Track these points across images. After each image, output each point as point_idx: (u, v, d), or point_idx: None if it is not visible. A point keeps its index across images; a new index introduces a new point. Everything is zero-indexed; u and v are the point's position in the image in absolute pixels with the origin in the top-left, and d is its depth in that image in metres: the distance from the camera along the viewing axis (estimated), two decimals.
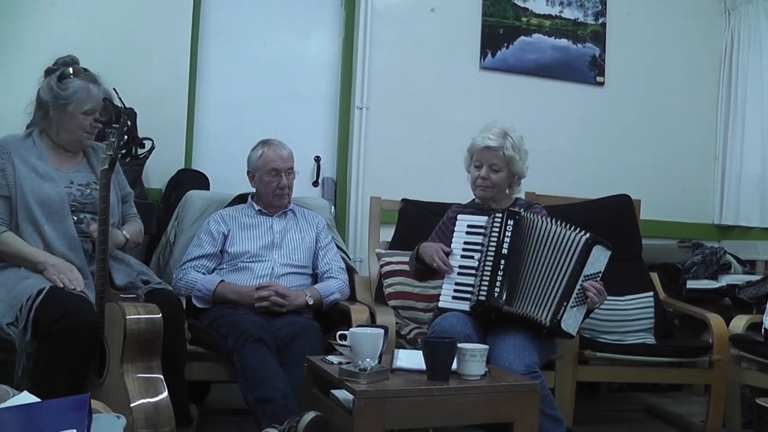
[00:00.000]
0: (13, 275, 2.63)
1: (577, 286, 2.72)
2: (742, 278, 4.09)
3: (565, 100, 4.71)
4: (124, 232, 2.90)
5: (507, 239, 2.81)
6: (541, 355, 2.76)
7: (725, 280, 4.11)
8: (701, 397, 4.08)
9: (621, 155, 4.79)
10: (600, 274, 2.77)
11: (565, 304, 2.70)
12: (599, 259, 2.76)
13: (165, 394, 2.27)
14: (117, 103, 2.76)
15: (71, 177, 2.82)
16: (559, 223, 2.81)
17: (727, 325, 3.42)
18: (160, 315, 2.37)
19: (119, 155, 2.46)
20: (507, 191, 3.11)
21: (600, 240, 2.76)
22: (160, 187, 3.90)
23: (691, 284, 4.05)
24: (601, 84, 4.79)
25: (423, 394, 2.19)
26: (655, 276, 3.94)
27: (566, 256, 2.74)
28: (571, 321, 2.72)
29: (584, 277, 2.73)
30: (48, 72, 2.83)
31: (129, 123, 2.47)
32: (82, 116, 2.76)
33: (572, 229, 2.77)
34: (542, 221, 2.83)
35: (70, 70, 2.78)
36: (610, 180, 4.52)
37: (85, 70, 2.83)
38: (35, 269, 2.62)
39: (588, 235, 2.74)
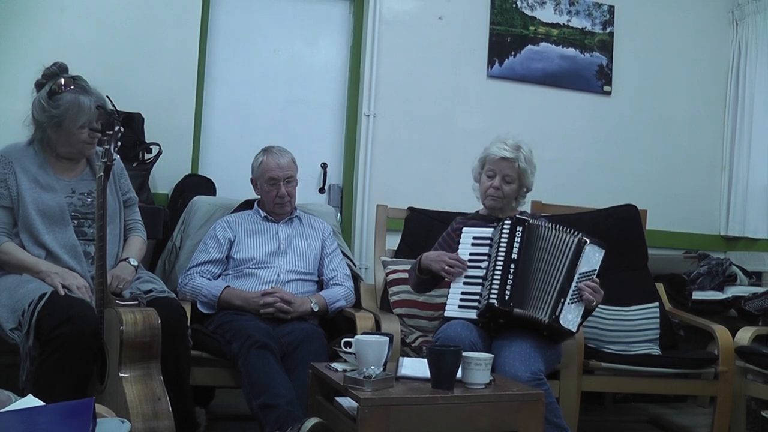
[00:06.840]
0: (15, 279, 2.64)
1: (573, 285, 2.77)
2: (748, 290, 4.07)
3: (572, 109, 4.70)
4: (131, 261, 2.88)
5: (516, 245, 2.85)
6: (547, 363, 2.77)
7: (731, 292, 4.09)
8: (706, 408, 4.06)
9: (627, 165, 4.78)
10: (595, 272, 2.83)
11: (562, 301, 2.75)
12: (593, 257, 2.82)
13: (164, 399, 2.27)
14: (110, 108, 2.73)
15: (73, 186, 2.81)
16: (557, 227, 2.88)
17: (733, 336, 3.41)
18: (159, 320, 2.37)
19: (113, 162, 2.44)
20: (513, 204, 3.17)
21: (593, 240, 2.82)
22: (167, 192, 3.91)
23: (697, 295, 4.03)
24: (608, 93, 4.78)
25: (427, 403, 2.18)
26: (660, 286, 3.92)
27: (562, 257, 2.81)
28: (570, 317, 2.76)
29: (579, 275, 2.78)
30: (38, 85, 2.77)
31: (122, 129, 2.44)
32: (79, 131, 2.72)
33: (568, 231, 2.85)
34: (544, 227, 2.89)
35: (62, 81, 2.71)
36: (617, 190, 4.52)
37: (75, 78, 2.75)
38: (38, 278, 2.62)
39: (580, 235, 2.82)
